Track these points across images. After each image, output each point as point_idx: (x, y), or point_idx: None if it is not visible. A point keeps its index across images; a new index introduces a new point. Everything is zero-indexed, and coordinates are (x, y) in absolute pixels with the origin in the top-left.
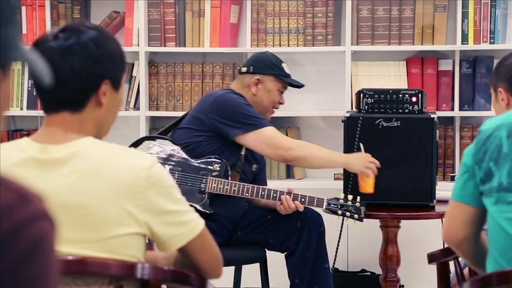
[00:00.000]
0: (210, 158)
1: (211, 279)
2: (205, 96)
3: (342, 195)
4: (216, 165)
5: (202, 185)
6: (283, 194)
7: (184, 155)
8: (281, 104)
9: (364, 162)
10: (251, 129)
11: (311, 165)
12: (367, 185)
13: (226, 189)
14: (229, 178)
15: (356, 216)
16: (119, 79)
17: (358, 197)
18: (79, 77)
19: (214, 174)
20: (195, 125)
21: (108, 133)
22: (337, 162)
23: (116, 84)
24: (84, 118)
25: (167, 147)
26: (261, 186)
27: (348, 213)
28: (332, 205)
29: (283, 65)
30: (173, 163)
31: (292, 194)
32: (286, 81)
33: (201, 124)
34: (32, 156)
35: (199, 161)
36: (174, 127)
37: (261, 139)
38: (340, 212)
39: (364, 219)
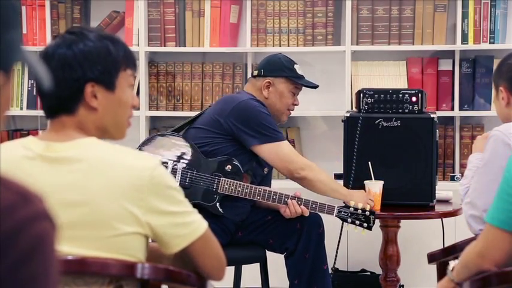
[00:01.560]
0: (223, 158)
1: (214, 281)
2: (225, 98)
3: (352, 203)
4: (228, 166)
5: (215, 186)
6: (294, 199)
7: (198, 154)
8: (295, 105)
9: (364, 200)
10: (268, 141)
11: (315, 188)
12: (376, 202)
13: (238, 191)
14: (242, 180)
15: (365, 225)
16: (108, 79)
17: (368, 206)
18: (57, 84)
19: (226, 175)
20: (212, 126)
21: (124, 137)
22: (339, 192)
23: (107, 85)
24: (81, 120)
25: (181, 145)
26: (272, 190)
27: (357, 222)
28: (342, 213)
29: (296, 66)
30: (186, 162)
31: (303, 200)
32: (297, 82)
33: (219, 127)
34: (36, 153)
35: (212, 161)
36: (188, 125)
37: (276, 153)
38: (350, 220)
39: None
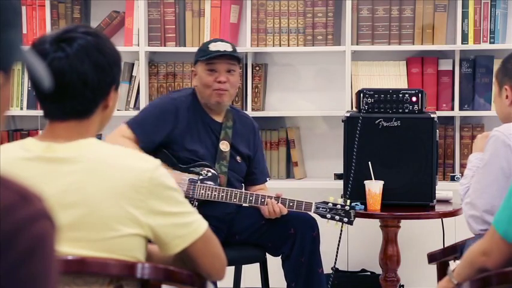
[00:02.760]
0: (198, 164)
1: (215, 281)
2: None
3: (332, 199)
4: (204, 170)
5: (191, 192)
6: (271, 198)
7: (171, 161)
8: (220, 82)
9: None
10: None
11: None
12: (376, 202)
13: (215, 195)
14: (218, 183)
15: (345, 219)
16: (120, 81)
17: (348, 201)
18: (92, 88)
19: (202, 180)
20: None
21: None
22: None
23: (118, 86)
24: (90, 123)
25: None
26: (249, 192)
27: (337, 217)
28: (321, 209)
29: (212, 44)
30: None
31: (280, 199)
32: (205, 59)
33: None
34: (36, 154)
35: (186, 167)
36: None
37: None
38: (329, 215)
39: (364, 219)
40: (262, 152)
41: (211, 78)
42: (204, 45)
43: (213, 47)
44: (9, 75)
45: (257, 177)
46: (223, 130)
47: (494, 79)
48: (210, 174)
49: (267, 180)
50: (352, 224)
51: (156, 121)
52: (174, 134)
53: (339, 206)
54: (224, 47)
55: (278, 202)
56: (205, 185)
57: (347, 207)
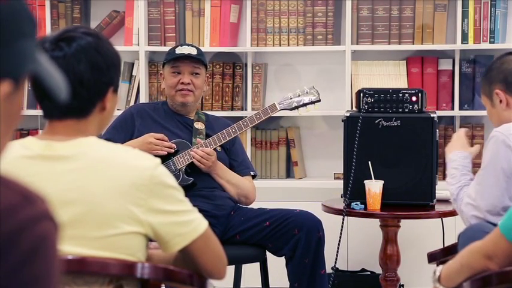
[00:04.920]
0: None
1: (214, 280)
2: None
3: (289, 94)
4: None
5: (173, 167)
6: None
7: None
8: (183, 83)
9: (143, 142)
10: None
11: None
12: (375, 202)
13: (192, 154)
14: (195, 144)
15: (313, 98)
16: (119, 83)
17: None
18: (87, 87)
19: (176, 154)
20: None
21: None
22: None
23: (116, 88)
24: (89, 123)
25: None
26: (214, 136)
27: (306, 100)
28: (285, 103)
29: (178, 48)
30: None
31: (214, 139)
32: (169, 61)
33: None
34: (36, 152)
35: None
36: None
37: None
38: (295, 104)
39: (364, 219)
40: (242, 148)
41: (175, 79)
42: (171, 49)
43: (178, 50)
44: (21, 85)
45: (236, 169)
46: (195, 121)
47: (482, 95)
48: (181, 146)
49: (250, 174)
50: (320, 100)
51: (114, 131)
52: (138, 134)
53: (299, 93)
54: (189, 50)
55: (208, 146)
56: (179, 154)
57: (306, 90)
